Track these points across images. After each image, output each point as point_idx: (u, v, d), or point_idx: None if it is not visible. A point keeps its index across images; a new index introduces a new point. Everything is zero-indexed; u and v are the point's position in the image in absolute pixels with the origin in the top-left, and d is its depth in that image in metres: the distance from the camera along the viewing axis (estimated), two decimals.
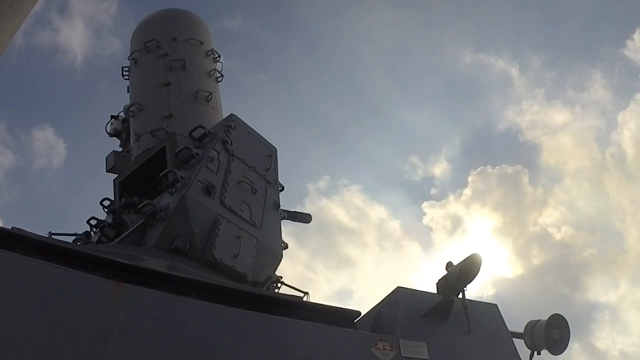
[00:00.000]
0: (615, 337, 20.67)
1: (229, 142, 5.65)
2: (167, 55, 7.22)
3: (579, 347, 18.70)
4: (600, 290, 21.99)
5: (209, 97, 7.05)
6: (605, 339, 20.55)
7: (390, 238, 23.07)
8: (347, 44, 23.13)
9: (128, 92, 7.57)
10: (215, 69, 7.63)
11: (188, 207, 4.99)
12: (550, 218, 23.11)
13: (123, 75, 7.66)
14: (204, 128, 5.79)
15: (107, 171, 7.66)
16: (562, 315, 4.75)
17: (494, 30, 24.07)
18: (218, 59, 7.80)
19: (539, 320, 4.74)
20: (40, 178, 22.55)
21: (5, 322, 2.95)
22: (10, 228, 3.82)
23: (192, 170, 5.30)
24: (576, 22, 22.86)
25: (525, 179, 22.71)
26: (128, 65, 7.67)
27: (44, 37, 21.73)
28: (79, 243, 5.95)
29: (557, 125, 23.38)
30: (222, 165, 5.47)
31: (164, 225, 4.94)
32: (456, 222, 22.18)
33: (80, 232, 6.06)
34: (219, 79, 7.66)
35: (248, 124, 5.99)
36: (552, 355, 4.69)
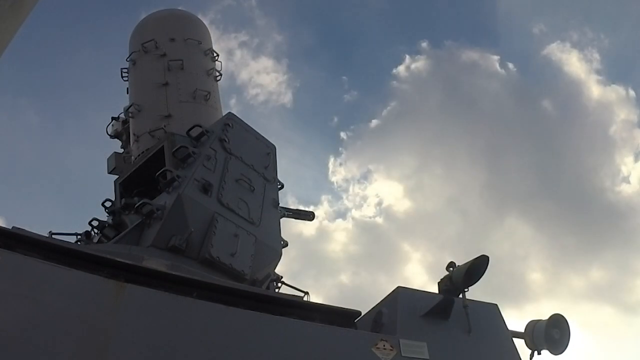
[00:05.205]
0: None
1: (227, 140, 5.66)
2: (165, 56, 7.21)
3: None
4: None
5: (208, 97, 7.05)
6: None
7: None
8: None
9: (128, 93, 7.57)
10: (213, 68, 7.65)
11: (184, 206, 5.01)
12: None
13: (122, 77, 7.66)
14: (201, 127, 5.80)
15: (108, 172, 7.67)
16: (562, 315, 4.74)
17: None
18: (216, 58, 7.82)
19: (539, 320, 4.73)
20: (41, 172, 22.38)
21: (6, 321, 2.94)
22: (10, 228, 3.80)
23: (189, 169, 5.31)
24: None
25: None
26: (127, 67, 7.66)
27: None
28: (79, 243, 5.93)
29: None
30: (219, 163, 5.49)
31: (160, 224, 4.94)
32: None
33: (81, 232, 6.05)
34: (218, 78, 7.69)
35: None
36: (552, 355, 4.69)
